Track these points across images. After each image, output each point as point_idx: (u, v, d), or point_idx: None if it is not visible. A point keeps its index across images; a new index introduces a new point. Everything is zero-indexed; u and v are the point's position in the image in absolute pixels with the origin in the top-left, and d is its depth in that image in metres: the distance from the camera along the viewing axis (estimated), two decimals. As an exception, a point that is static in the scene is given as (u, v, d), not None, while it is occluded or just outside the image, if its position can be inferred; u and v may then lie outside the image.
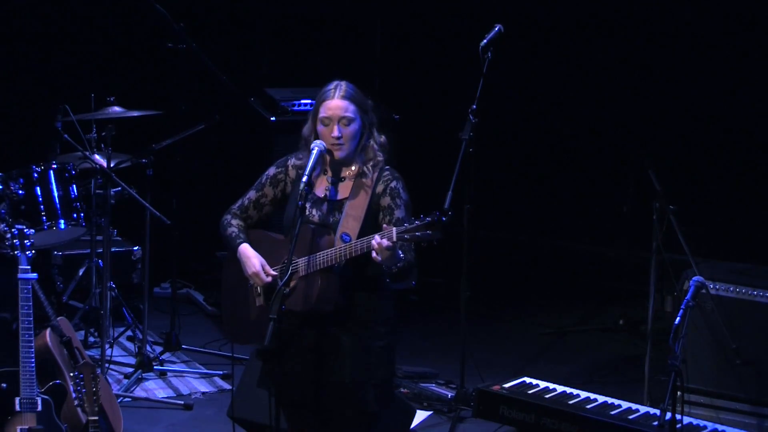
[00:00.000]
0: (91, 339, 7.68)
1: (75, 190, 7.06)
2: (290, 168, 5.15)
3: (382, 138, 5.11)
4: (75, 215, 7.03)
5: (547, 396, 5.58)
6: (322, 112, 5.00)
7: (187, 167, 7.87)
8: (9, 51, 8.78)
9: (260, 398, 5.18)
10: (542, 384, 5.70)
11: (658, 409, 5.20)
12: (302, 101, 8.11)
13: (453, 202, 6.14)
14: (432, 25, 9.84)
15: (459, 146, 6.45)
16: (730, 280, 6.47)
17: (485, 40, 6.58)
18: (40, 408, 5.32)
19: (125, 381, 7.12)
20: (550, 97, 9.66)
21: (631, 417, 5.37)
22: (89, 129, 7.37)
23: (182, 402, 6.91)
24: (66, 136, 7.07)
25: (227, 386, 7.10)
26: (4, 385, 5.36)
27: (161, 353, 7.54)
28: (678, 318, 5.03)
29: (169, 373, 7.33)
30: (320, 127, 5.01)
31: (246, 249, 5.05)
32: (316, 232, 4.94)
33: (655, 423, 5.22)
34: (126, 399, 6.90)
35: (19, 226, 5.51)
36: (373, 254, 4.74)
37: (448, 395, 6.92)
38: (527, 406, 5.49)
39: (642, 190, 6.76)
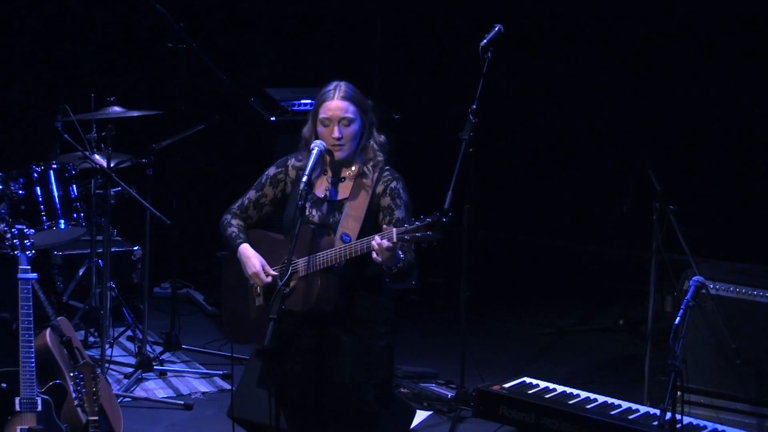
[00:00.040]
0: (91, 339, 7.68)
1: (75, 190, 7.06)
2: (290, 168, 5.15)
3: (382, 138, 5.11)
4: (75, 215, 7.03)
5: (547, 396, 5.59)
6: (322, 113, 5.00)
7: (187, 167, 7.87)
8: (9, 51, 8.78)
9: (260, 398, 5.18)
10: (542, 384, 5.70)
11: (658, 409, 5.20)
12: (302, 101, 8.11)
13: (453, 202, 6.14)
14: (432, 25, 9.84)
15: (459, 146, 6.45)
16: (730, 280, 6.47)
17: (485, 40, 6.58)
18: (40, 408, 5.32)
19: (125, 381, 7.12)
20: (550, 97, 9.66)
21: (631, 417, 5.38)
22: (89, 129, 7.37)
23: (182, 402, 6.91)
24: (66, 136, 7.07)
25: (227, 386, 7.10)
26: (4, 385, 5.36)
27: (161, 353, 7.54)
28: (678, 318, 5.03)
29: (169, 373, 7.33)
30: (320, 128, 5.01)
31: (246, 249, 5.05)
32: (316, 232, 4.94)
33: (655, 423, 5.22)
34: (126, 399, 6.90)
35: (19, 226, 5.51)
36: (374, 255, 4.74)
37: (448, 395, 6.92)
38: (527, 406, 5.49)
39: (642, 190, 6.76)
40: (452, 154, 6.42)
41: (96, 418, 5.20)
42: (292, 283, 4.89)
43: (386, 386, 5.10)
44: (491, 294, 8.89)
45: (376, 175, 5.03)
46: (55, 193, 6.98)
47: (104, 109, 7.26)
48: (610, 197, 9.00)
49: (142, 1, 7.48)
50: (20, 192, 6.85)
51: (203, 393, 7.12)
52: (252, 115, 8.26)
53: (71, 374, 5.25)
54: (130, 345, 7.75)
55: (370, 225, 4.95)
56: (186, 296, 8.81)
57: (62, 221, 6.98)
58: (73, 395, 5.30)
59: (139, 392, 7.06)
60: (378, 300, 5.01)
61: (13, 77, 8.77)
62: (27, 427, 5.29)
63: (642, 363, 6.75)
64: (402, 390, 6.96)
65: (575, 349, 8.11)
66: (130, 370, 7.24)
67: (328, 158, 5.05)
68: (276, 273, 5.00)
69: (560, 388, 5.66)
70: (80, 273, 7.77)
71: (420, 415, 6.67)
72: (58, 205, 6.97)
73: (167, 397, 7.02)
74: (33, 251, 5.45)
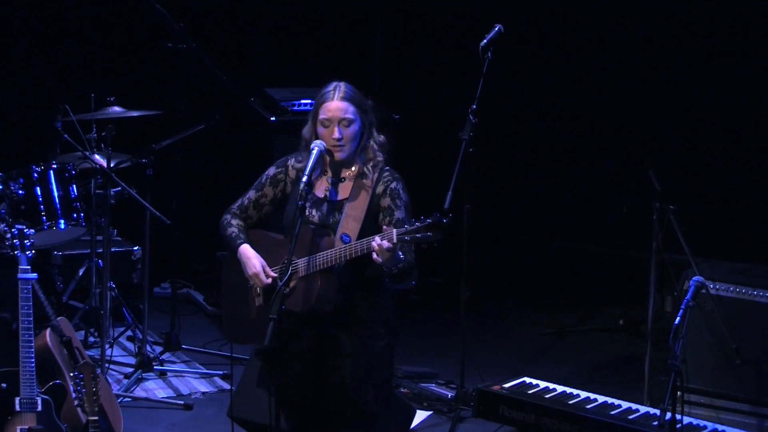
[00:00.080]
0: (91, 339, 7.68)
1: (75, 190, 7.06)
2: (290, 168, 5.15)
3: (382, 138, 5.11)
4: (75, 215, 7.03)
5: (547, 396, 5.59)
6: (322, 114, 5.00)
7: (187, 167, 7.87)
8: (9, 51, 8.78)
9: (260, 398, 5.18)
10: (542, 384, 5.70)
11: (658, 409, 5.21)
12: (302, 101, 8.11)
13: (453, 202, 6.13)
14: (432, 25, 9.83)
15: (459, 146, 6.45)
16: (730, 280, 6.47)
17: (485, 40, 6.58)
18: (40, 408, 5.31)
19: (125, 381, 7.11)
20: (550, 97, 9.66)
21: (631, 417, 5.37)
22: (89, 129, 7.37)
23: (182, 402, 6.91)
24: (66, 136, 7.07)
25: (227, 386, 7.10)
26: (4, 385, 5.36)
27: (161, 353, 7.54)
28: (678, 318, 5.03)
29: (169, 373, 7.33)
30: (320, 129, 5.01)
31: (246, 250, 5.05)
32: (316, 232, 4.94)
33: (655, 423, 5.22)
34: (126, 399, 6.90)
35: (19, 226, 5.51)
36: (374, 255, 4.74)
37: (448, 395, 6.92)
38: (527, 406, 5.49)
39: (642, 190, 6.75)
40: (452, 154, 6.42)
41: (96, 418, 5.20)
42: (292, 283, 4.90)
43: (386, 386, 5.10)
44: (491, 294, 8.89)
45: (376, 175, 5.03)
46: (55, 193, 6.98)
47: (104, 109, 7.26)
48: (610, 197, 8.99)
49: (142, 1, 7.48)
50: (20, 192, 6.85)
51: (203, 393, 7.12)
52: (252, 115, 8.26)
53: (71, 374, 5.25)
54: (130, 345, 7.75)
55: (370, 225, 4.95)
56: (186, 296, 8.81)
57: (62, 221, 6.98)
58: (73, 395, 5.30)
59: (139, 392, 7.06)
60: (378, 300, 5.01)
61: (13, 77, 8.76)
62: (27, 427, 5.29)
63: (642, 363, 6.76)
64: (402, 390, 6.96)
65: (575, 349, 8.11)
66: (130, 370, 7.24)
67: (328, 158, 5.05)
68: (276, 274, 5.00)
69: (560, 388, 5.66)
70: (80, 273, 7.77)
71: (420, 415, 6.67)
72: (58, 205, 6.96)
73: (167, 397, 7.02)
74: (33, 251, 5.45)
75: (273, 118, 8.10)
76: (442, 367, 7.32)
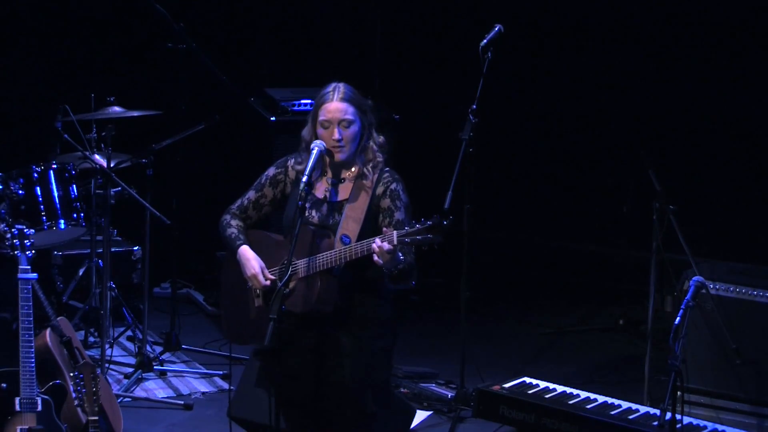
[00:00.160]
0: (91, 339, 7.68)
1: (75, 190, 7.06)
2: (290, 169, 5.15)
3: (381, 139, 5.11)
4: (75, 215, 7.03)
5: (547, 396, 5.59)
6: (322, 115, 5.00)
7: (187, 167, 7.87)
8: (9, 51, 8.78)
9: (260, 398, 5.18)
10: (542, 384, 5.70)
11: (658, 409, 5.21)
12: (302, 101, 8.11)
13: (453, 202, 6.13)
14: (432, 25, 9.83)
15: (459, 146, 6.45)
16: (730, 280, 6.47)
17: (485, 40, 6.58)
18: (40, 408, 5.31)
19: (125, 381, 7.11)
20: (550, 97, 9.66)
21: (631, 417, 5.38)
22: (89, 129, 7.36)
23: (182, 402, 6.91)
24: (66, 136, 7.07)
25: (227, 386, 7.10)
26: (4, 385, 5.36)
27: (161, 353, 7.53)
28: (678, 318, 5.04)
29: (169, 373, 7.32)
30: (320, 130, 5.01)
31: (246, 251, 5.06)
32: (316, 233, 4.94)
33: (655, 423, 5.22)
34: (126, 399, 6.89)
35: (19, 226, 5.51)
36: (374, 257, 4.74)
37: (448, 395, 6.91)
38: (527, 406, 5.49)
39: (642, 190, 6.75)
40: (452, 154, 6.42)
41: (96, 418, 5.20)
42: (291, 284, 4.90)
43: (384, 387, 5.10)
44: (491, 294, 8.88)
45: (375, 176, 5.03)
46: (55, 193, 6.98)
47: (104, 109, 7.26)
48: (610, 197, 8.99)
49: (142, 1, 7.48)
50: (20, 192, 6.85)
51: (203, 393, 7.12)
52: (252, 115, 8.26)
53: (71, 374, 5.25)
54: (130, 345, 7.75)
55: (370, 226, 4.96)
56: (186, 296, 8.81)
57: (62, 221, 6.98)
58: (73, 395, 5.30)
59: (139, 392, 7.06)
60: (377, 301, 5.02)
61: (13, 77, 8.76)
62: (27, 427, 5.29)
63: (642, 363, 6.75)
64: (402, 390, 6.96)
65: (575, 349, 8.11)
66: (130, 370, 7.24)
67: (327, 159, 5.06)
68: (274, 277, 5.00)
69: (560, 388, 5.66)
70: (80, 273, 7.76)
71: (420, 415, 6.66)
72: (58, 205, 6.96)
73: (167, 397, 7.02)
74: (33, 251, 5.45)
75: (273, 118, 8.10)
76: (442, 367, 7.32)
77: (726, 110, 8.88)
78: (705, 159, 8.99)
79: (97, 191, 7.17)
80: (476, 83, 6.51)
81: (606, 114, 9.33)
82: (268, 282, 4.99)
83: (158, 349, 7.58)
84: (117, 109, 7.27)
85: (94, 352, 7.39)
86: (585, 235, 9.59)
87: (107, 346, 7.15)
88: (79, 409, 5.30)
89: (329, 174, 5.09)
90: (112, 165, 7.05)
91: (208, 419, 6.72)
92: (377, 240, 4.72)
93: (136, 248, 8.01)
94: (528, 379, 5.76)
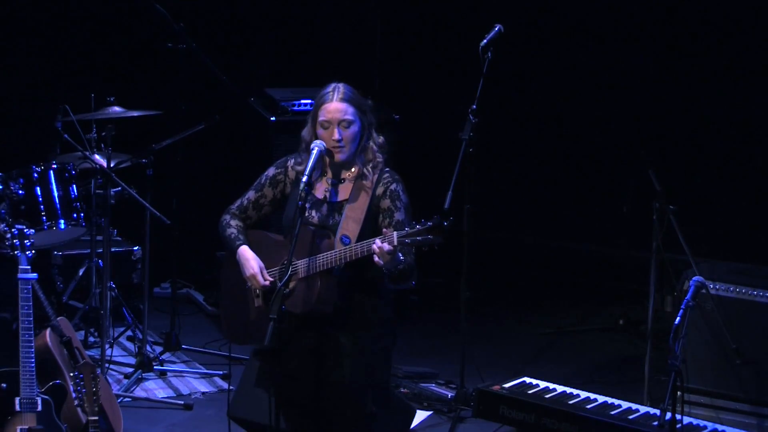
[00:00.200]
0: (91, 339, 7.68)
1: (75, 190, 7.06)
2: (290, 169, 5.15)
3: (381, 139, 5.11)
4: (75, 215, 7.03)
5: (547, 396, 5.59)
6: (322, 116, 5.00)
7: (187, 167, 7.87)
8: (9, 51, 8.78)
9: (259, 398, 5.18)
10: (542, 384, 5.70)
11: (658, 409, 5.21)
12: (302, 101, 8.11)
13: (453, 202, 6.13)
14: (432, 25, 9.83)
15: (459, 146, 6.45)
16: (730, 280, 6.47)
17: (485, 40, 6.58)
18: (40, 408, 5.31)
19: (125, 381, 7.11)
20: (550, 97, 9.66)
21: (631, 417, 5.38)
22: (89, 129, 7.37)
23: (182, 402, 6.91)
24: (66, 136, 7.07)
25: (227, 386, 7.10)
26: (4, 385, 5.36)
27: (161, 353, 7.53)
28: (678, 318, 5.04)
29: (169, 373, 7.33)
30: (320, 131, 5.01)
31: (245, 251, 5.06)
32: (316, 234, 4.94)
33: (655, 423, 5.22)
34: (126, 399, 6.89)
35: (19, 226, 5.51)
36: (375, 258, 4.75)
37: (448, 395, 6.91)
38: (527, 406, 5.49)
39: (642, 190, 6.75)
40: (452, 154, 6.42)
41: (96, 418, 5.20)
42: (291, 284, 4.90)
43: (385, 387, 5.10)
44: (491, 294, 8.88)
45: (375, 176, 5.03)
46: (55, 193, 6.98)
47: (104, 109, 7.26)
48: (610, 197, 8.99)
49: (142, 1, 7.48)
50: (20, 192, 6.85)
51: (203, 393, 7.12)
52: (252, 115, 8.26)
53: (71, 374, 5.25)
54: (130, 345, 7.75)
55: (370, 227, 4.96)
56: (186, 296, 8.81)
57: (62, 221, 6.98)
58: (73, 395, 5.30)
59: (139, 392, 7.06)
60: (377, 301, 5.02)
61: (13, 77, 8.76)
62: (27, 427, 5.29)
63: (642, 363, 6.75)
64: (402, 390, 6.96)
65: (575, 349, 8.11)
66: (130, 370, 7.24)
67: (327, 159, 5.05)
68: (273, 278, 5.00)
69: (560, 388, 5.66)
70: (80, 273, 7.76)
71: (420, 415, 6.66)
72: (58, 205, 6.96)
73: (167, 397, 7.02)
74: (33, 251, 5.45)
75: (273, 118, 8.10)
76: (442, 367, 7.32)
77: (726, 110, 8.88)
78: (705, 159, 8.99)
79: (97, 191, 7.17)
80: (476, 83, 6.51)
81: (606, 114, 9.33)
82: (267, 282, 4.99)
83: (158, 349, 7.58)
84: (117, 109, 7.27)
85: (94, 352, 7.39)
86: (585, 235, 9.59)
87: (107, 346, 7.15)
88: (79, 409, 5.30)
89: (329, 174, 5.09)
90: (112, 165, 7.05)
91: (208, 419, 6.72)
92: (377, 241, 4.72)
93: (136, 248, 8.01)
94: (528, 379, 5.76)
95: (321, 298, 4.89)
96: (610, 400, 5.54)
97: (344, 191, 5.04)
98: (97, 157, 7.18)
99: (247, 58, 9.51)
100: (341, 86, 5.02)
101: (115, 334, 7.61)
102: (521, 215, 9.84)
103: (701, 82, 8.93)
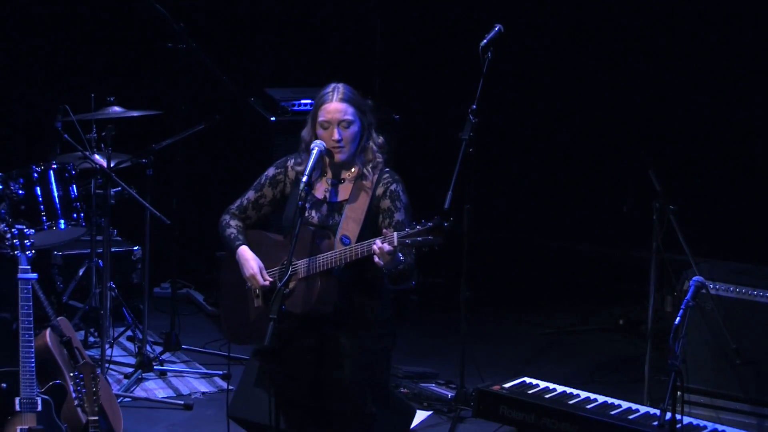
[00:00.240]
0: (91, 339, 7.68)
1: (75, 190, 7.06)
2: (289, 169, 5.15)
3: (381, 139, 5.11)
4: (75, 215, 7.03)
5: (547, 396, 5.59)
6: (321, 116, 4.99)
7: (187, 167, 7.87)
8: (9, 50, 8.78)
9: (259, 398, 5.18)
10: (542, 384, 5.70)
11: (658, 409, 5.21)
12: (302, 101, 8.11)
13: (453, 202, 6.13)
14: (432, 25, 9.83)
15: (459, 146, 6.45)
16: (730, 280, 6.47)
17: (485, 40, 6.58)
18: (40, 408, 5.32)
19: (125, 381, 7.12)
20: (550, 97, 9.66)
21: (631, 417, 5.38)
22: (89, 129, 7.37)
23: (182, 402, 6.91)
24: (66, 136, 7.07)
25: (227, 386, 7.10)
26: (4, 385, 5.36)
27: (161, 353, 7.54)
28: (678, 318, 5.04)
29: (169, 373, 7.33)
30: (320, 131, 5.01)
31: (245, 251, 5.05)
32: (316, 234, 4.94)
33: (655, 423, 5.22)
34: (126, 399, 6.90)
35: (19, 226, 5.52)
36: (375, 258, 4.75)
37: (448, 395, 6.92)
38: (527, 406, 5.49)
39: (642, 190, 6.75)
40: (452, 154, 6.42)
41: (96, 418, 5.20)
42: (291, 284, 4.90)
43: (385, 387, 5.10)
44: (491, 294, 8.88)
45: (375, 176, 5.03)
46: (55, 193, 6.98)
47: (104, 109, 7.26)
48: (610, 197, 8.99)
49: (142, 1, 7.48)
50: (20, 192, 6.85)
51: (203, 393, 7.12)
52: (252, 115, 8.26)
53: (71, 374, 5.25)
54: (130, 345, 7.75)
55: (370, 227, 4.96)
56: (186, 296, 8.81)
57: (62, 221, 6.98)
58: (73, 395, 5.30)
59: (139, 392, 7.06)
60: (377, 302, 5.02)
61: (13, 77, 8.76)
62: (27, 427, 5.29)
63: (642, 363, 6.75)
64: (402, 390, 6.96)
65: (575, 349, 8.11)
66: (130, 370, 7.24)
67: (327, 160, 5.05)
68: (273, 278, 5.00)
69: (560, 388, 5.66)
70: (80, 273, 7.77)
71: (420, 415, 6.67)
72: (58, 205, 6.97)
73: (167, 397, 7.02)
74: (33, 251, 5.46)
75: (273, 118, 8.10)
76: (442, 367, 7.32)
77: (726, 110, 8.88)
78: (705, 159, 8.99)
79: (97, 191, 7.17)
80: (476, 83, 6.51)
81: (606, 114, 9.33)
82: (267, 282, 4.99)
83: (158, 349, 7.58)
84: (117, 109, 7.27)
85: (94, 352, 7.39)
86: (585, 235, 9.59)
87: (107, 346, 7.15)
88: (79, 409, 5.30)
89: (329, 174, 5.09)
90: (112, 165, 7.05)
91: (208, 419, 6.72)
92: (378, 241, 4.72)
93: (136, 248, 8.01)
94: (528, 379, 5.76)
95: (321, 299, 4.89)
96: (610, 400, 5.54)
97: (344, 191, 5.04)
98: (97, 157, 7.18)
99: (247, 58, 9.51)
100: (341, 86, 5.02)
101: (115, 334, 7.61)
102: (521, 215, 9.85)
103: (701, 82, 8.93)
